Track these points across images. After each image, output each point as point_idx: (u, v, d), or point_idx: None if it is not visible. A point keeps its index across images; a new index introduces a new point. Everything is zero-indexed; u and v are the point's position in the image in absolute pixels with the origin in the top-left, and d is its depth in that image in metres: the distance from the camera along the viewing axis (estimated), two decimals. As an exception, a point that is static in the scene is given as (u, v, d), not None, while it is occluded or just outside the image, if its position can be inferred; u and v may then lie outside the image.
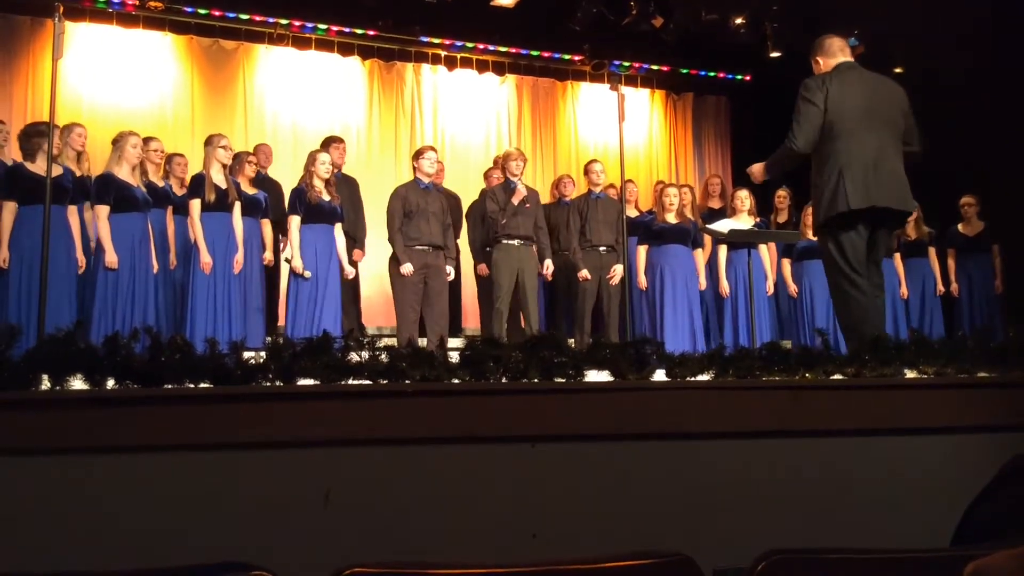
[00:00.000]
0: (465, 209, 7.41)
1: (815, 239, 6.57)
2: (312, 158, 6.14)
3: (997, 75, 7.04)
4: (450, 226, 6.42)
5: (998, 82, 7.06)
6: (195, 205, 5.69)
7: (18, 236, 5.19)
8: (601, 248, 6.74)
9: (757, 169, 4.29)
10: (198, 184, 5.75)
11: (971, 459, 2.53)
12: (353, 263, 6.52)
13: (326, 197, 6.06)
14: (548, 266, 6.55)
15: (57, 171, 5.22)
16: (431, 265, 6.14)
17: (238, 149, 6.62)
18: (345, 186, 6.71)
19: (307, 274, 5.91)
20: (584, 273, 6.61)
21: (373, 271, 7.52)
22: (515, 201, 6.38)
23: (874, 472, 2.67)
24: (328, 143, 6.75)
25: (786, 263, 6.99)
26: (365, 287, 7.32)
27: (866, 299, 3.88)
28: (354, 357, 2.46)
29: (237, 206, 5.83)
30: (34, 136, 5.32)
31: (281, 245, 6.46)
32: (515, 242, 6.40)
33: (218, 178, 5.79)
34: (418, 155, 6.42)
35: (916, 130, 4.08)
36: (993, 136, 7.06)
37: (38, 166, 5.16)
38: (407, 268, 6.04)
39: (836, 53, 4.11)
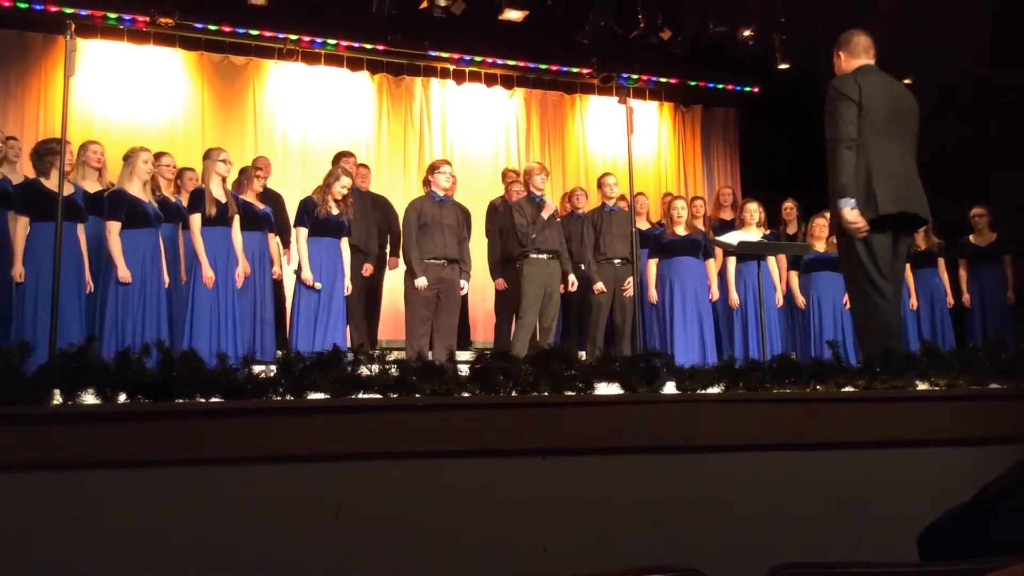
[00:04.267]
0: (477, 222, 7.41)
1: (822, 251, 6.65)
2: (336, 175, 6.14)
3: (1008, 84, 7.02)
4: (466, 239, 6.43)
5: (1009, 92, 7.04)
6: (196, 220, 5.68)
7: (33, 252, 5.21)
8: (616, 261, 6.75)
9: (852, 217, 3.75)
10: (198, 199, 5.74)
11: (983, 471, 2.51)
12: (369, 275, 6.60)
13: (335, 211, 6.08)
14: (573, 281, 6.56)
15: (69, 190, 5.25)
16: (445, 279, 6.14)
17: (248, 164, 6.65)
18: (372, 206, 6.73)
19: (317, 285, 5.92)
20: (600, 286, 6.62)
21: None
22: (545, 216, 6.40)
23: (885, 485, 2.66)
24: (344, 159, 6.74)
25: (794, 275, 6.97)
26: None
27: (889, 306, 3.80)
28: (364, 371, 2.47)
29: (236, 220, 5.82)
30: (46, 155, 5.33)
31: (285, 258, 6.47)
32: (544, 256, 6.41)
33: (218, 192, 5.78)
34: (433, 169, 6.43)
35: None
36: (1004, 146, 7.04)
37: (53, 183, 5.15)
38: (421, 282, 6.05)
39: (860, 53, 4.00)
